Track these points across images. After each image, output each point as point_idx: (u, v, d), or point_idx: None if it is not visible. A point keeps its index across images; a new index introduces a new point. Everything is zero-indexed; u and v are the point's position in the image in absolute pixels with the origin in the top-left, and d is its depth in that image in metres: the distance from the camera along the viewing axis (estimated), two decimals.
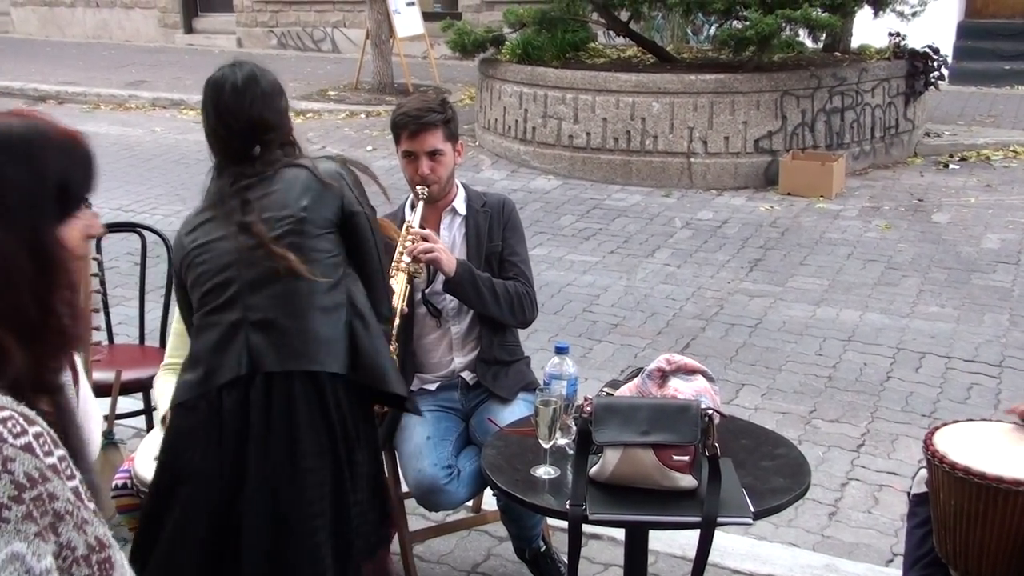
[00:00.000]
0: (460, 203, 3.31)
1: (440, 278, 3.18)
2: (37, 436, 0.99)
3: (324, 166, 2.60)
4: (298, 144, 2.66)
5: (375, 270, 2.68)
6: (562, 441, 2.66)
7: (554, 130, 9.03)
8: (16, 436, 0.97)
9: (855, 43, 9.87)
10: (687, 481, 2.43)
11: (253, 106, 2.55)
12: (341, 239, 2.58)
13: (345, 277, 2.56)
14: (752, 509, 2.42)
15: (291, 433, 2.40)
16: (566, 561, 2.68)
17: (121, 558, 1.10)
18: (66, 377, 1.31)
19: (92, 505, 1.08)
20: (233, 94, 2.55)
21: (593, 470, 2.48)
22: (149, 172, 9.14)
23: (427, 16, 13.12)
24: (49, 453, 0.98)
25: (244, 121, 2.56)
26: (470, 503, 3.56)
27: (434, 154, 3.16)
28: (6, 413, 0.97)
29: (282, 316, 2.44)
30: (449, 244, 3.24)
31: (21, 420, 0.98)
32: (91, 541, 0.99)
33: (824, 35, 9.12)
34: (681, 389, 2.70)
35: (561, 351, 2.87)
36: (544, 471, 2.61)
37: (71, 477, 1.01)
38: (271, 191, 2.52)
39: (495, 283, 3.20)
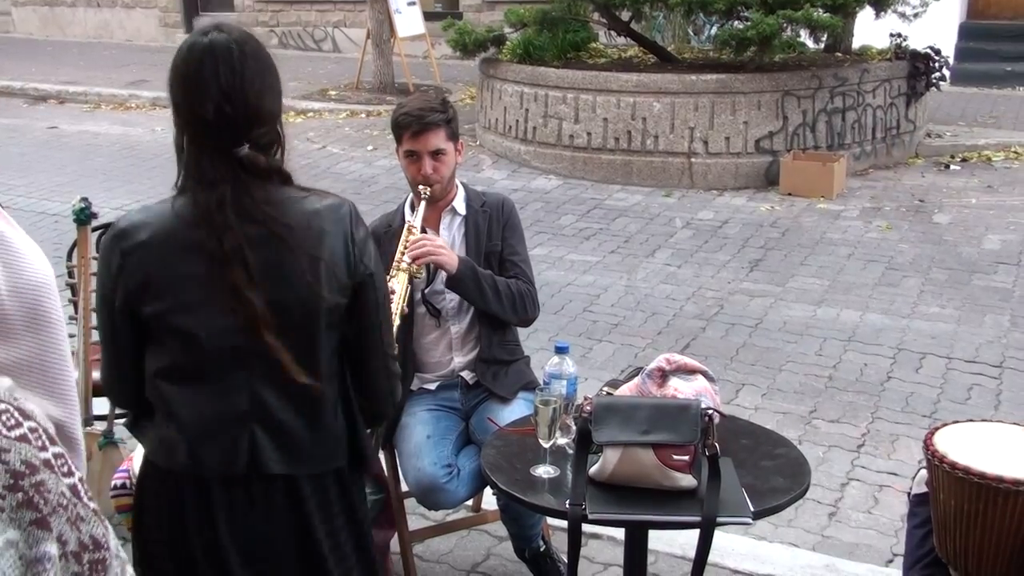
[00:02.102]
0: (460, 203, 3.31)
1: (440, 277, 3.18)
2: (32, 430, 1.00)
3: (334, 207, 2.09)
4: (284, 142, 2.09)
5: (374, 353, 2.17)
6: (562, 440, 2.66)
7: (555, 130, 9.03)
8: (11, 428, 0.97)
9: (856, 44, 9.87)
10: (687, 481, 2.43)
11: (252, 89, 1.99)
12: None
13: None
14: (752, 509, 2.42)
15: (297, 532, 2.11)
16: (566, 560, 2.68)
17: (120, 565, 1.09)
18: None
19: (93, 505, 1.08)
20: (228, 70, 1.96)
21: (593, 469, 2.48)
22: (150, 172, 9.15)
23: (428, 16, 13.12)
24: (44, 448, 0.99)
25: (242, 107, 1.97)
26: (470, 502, 3.56)
27: (437, 153, 3.15)
28: (1, 407, 0.98)
29: (293, 418, 2.06)
30: (449, 244, 3.24)
31: (16, 414, 0.99)
32: (85, 539, 0.99)
33: (825, 36, 9.11)
34: (681, 389, 2.70)
35: (561, 351, 2.87)
36: (544, 470, 2.60)
37: (68, 474, 1.02)
38: (279, 245, 2.00)
39: (497, 280, 3.20)
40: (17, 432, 0.98)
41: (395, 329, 2.57)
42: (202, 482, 2.05)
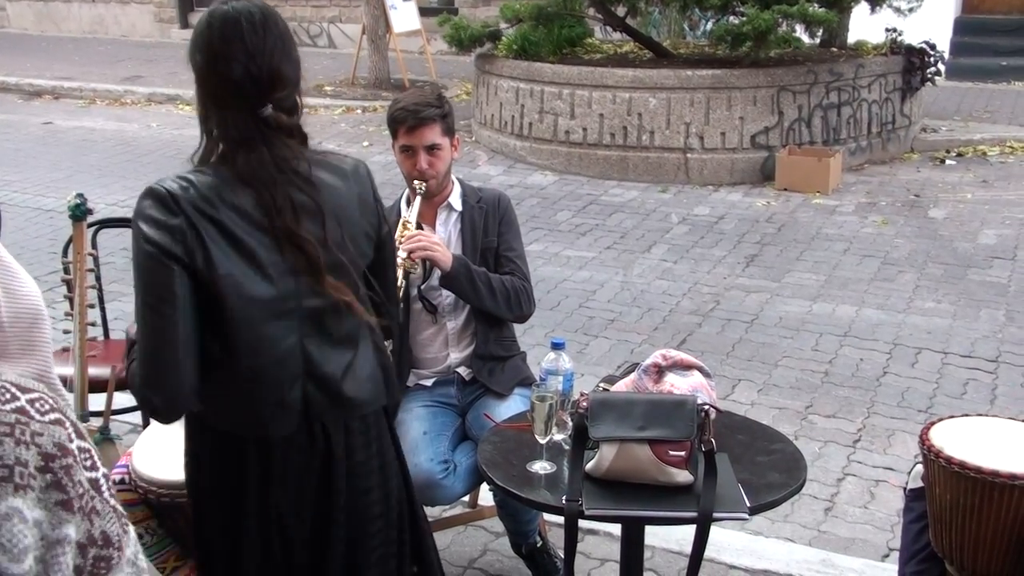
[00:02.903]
0: (456, 199, 3.31)
1: (436, 274, 3.18)
2: (63, 419, 1.03)
3: (357, 167, 2.25)
4: (302, 104, 2.18)
5: (391, 289, 2.42)
6: (558, 436, 2.66)
7: (551, 125, 9.02)
8: (44, 414, 1.00)
9: (852, 39, 9.87)
10: (683, 476, 2.44)
11: (275, 52, 2.08)
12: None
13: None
14: (748, 504, 2.43)
15: (352, 472, 2.22)
16: (562, 556, 2.68)
17: (135, 573, 1.09)
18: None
19: (114, 503, 1.08)
20: (252, 32, 2.05)
21: (589, 465, 2.48)
22: (145, 167, 9.13)
23: (423, 11, 13.10)
24: (71, 439, 1.00)
25: (266, 68, 2.06)
26: (466, 498, 3.56)
27: (432, 149, 3.15)
28: (35, 395, 1.01)
29: (340, 370, 2.17)
30: (445, 240, 3.24)
31: (50, 401, 1.02)
32: (95, 533, 1.01)
33: (821, 31, 9.13)
34: (677, 384, 2.70)
35: (557, 347, 2.87)
36: (540, 466, 2.61)
37: (92, 468, 1.04)
38: (316, 195, 2.11)
39: (492, 278, 3.20)
40: (51, 417, 1.01)
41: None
42: (263, 440, 2.14)
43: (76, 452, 1.03)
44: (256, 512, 2.17)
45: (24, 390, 1.02)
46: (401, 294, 3.02)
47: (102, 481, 1.06)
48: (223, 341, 2.08)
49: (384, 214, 2.29)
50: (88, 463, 1.04)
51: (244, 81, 2.05)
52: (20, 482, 0.94)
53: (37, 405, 1.02)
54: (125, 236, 2.45)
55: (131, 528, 1.13)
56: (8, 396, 1.00)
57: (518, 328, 3.48)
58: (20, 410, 0.99)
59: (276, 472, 2.16)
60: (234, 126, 2.07)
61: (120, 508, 1.08)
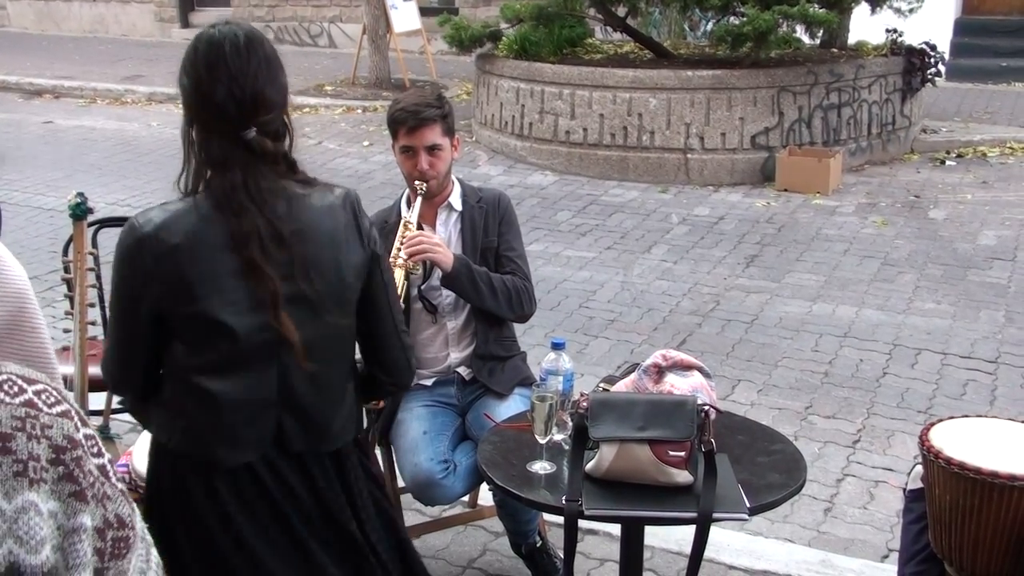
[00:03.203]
0: (456, 199, 3.31)
1: (436, 274, 3.18)
2: (69, 410, 1.04)
3: (341, 198, 2.22)
4: (293, 135, 2.21)
5: (388, 331, 2.32)
6: (558, 436, 2.66)
7: (551, 126, 9.02)
8: (51, 406, 1.01)
9: (852, 39, 9.87)
10: (683, 477, 2.44)
11: (258, 75, 2.10)
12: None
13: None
14: (748, 505, 2.43)
15: (317, 506, 2.21)
16: (562, 556, 2.68)
17: (145, 548, 1.12)
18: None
19: (120, 486, 1.12)
20: (235, 55, 2.08)
21: (589, 465, 2.48)
22: (145, 167, 9.13)
23: (424, 11, 13.09)
24: (77, 428, 1.04)
25: (249, 90, 2.08)
26: (466, 498, 3.57)
27: (433, 149, 3.15)
28: (40, 386, 1.02)
29: (318, 401, 2.18)
30: (445, 240, 3.24)
31: (55, 393, 1.04)
32: (110, 517, 1.03)
33: (821, 31, 9.11)
34: (677, 385, 2.70)
35: (557, 347, 2.87)
36: (540, 466, 2.61)
37: (98, 455, 1.06)
38: (299, 241, 2.10)
39: (492, 277, 3.20)
40: (58, 409, 1.02)
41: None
42: (222, 466, 2.13)
43: (83, 441, 1.04)
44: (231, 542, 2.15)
45: (30, 381, 1.03)
46: (402, 295, 3.03)
47: (108, 466, 1.09)
48: (201, 364, 2.12)
49: (373, 243, 2.23)
50: (95, 450, 1.06)
51: (227, 104, 2.07)
52: (34, 476, 0.96)
53: (44, 397, 1.03)
54: None
55: (133, 503, 1.16)
56: (16, 389, 1.01)
57: (518, 328, 3.48)
58: (29, 403, 1.01)
59: (248, 500, 2.14)
60: (217, 149, 2.09)
61: (124, 489, 1.10)
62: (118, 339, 2.20)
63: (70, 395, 1.09)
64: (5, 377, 1.02)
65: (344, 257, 2.17)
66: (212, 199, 2.08)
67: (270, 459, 2.15)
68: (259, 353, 2.10)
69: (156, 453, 2.24)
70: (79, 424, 1.04)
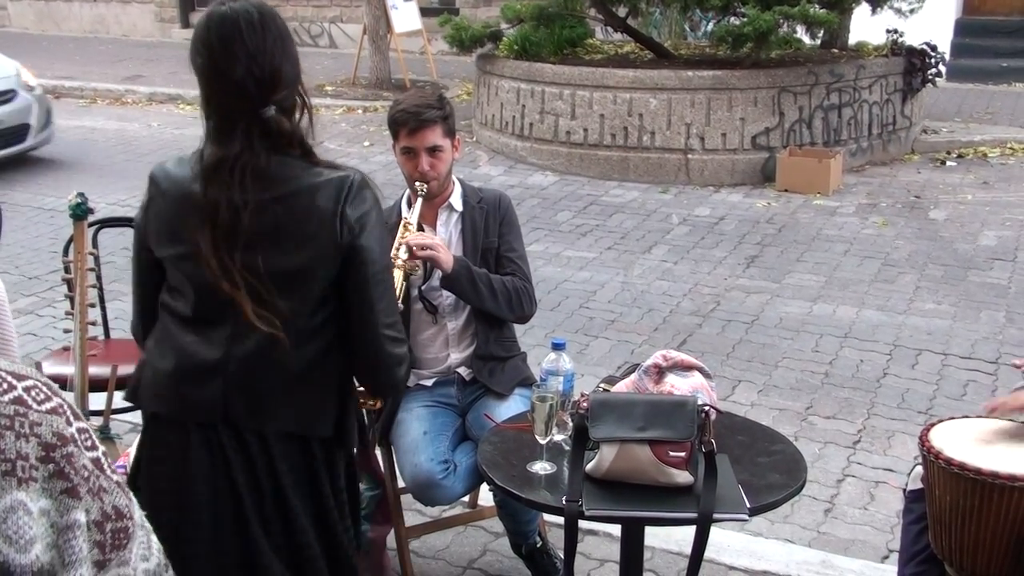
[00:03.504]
0: (456, 199, 3.31)
1: (437, 275, 3.18)
2: (60, 405, 1.05)
3: (335, 181, 2.15)
4: (310, 108, 2.19)
5: (367, 331, 2.20)
6: (558, 437, 2.66)
7: (551, 126, 9.02)
8: (40, 403, 1.02)
9: (853, 40, 9.87)
10: (683, 477, 2.44)
11: (275, 51, 2.08)
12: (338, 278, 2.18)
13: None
14: (748, 505, 2.43)
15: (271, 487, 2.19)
16: (562, 557, 2.68)
17: (145, 535, 1.12)
18: None
19: (116, 478, 1.12)
20: (252, 31, 2.05)
21: (589, 466, 2.48)
22: (146, 167, 8.97)
23: (424, 11, 13.10)
24: (69, 423, 1.03)
25: (268, 68, 2.06)
26: (466, 498, 3.57)
27: (433, 150, 3.15)
28: (30, 382, 1.03)
29: (266, 376, 2.14)
30: (446, 240, 3.24)
31: (45, 389, 1.04)
32: (107, 509, 1.03)
33: (822, 32, 9.12)
34: (677, 385, 2.70)
35: (558, 347, 2.87)
36: (540, 467, 2.61)
37: (91, 448, 1.07)
38: (274, 213, 2.09)
39: (492, 279, 3.20)
40: (47, 406, 1.02)
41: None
42: (184, 427, 2.16)
43: (76, 435, 1.05)
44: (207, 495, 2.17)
45: (19, 377, 1.03)
46: (401, 295, 3.03)
47: (102, 459, 1.09)
48: (173, 308, 2.21)
49: (353, 233, 2.13)
50: (88, 443, 1.06)
51: (246, 81, 2.05)
52: (22, 475, 0.96)
53: (33, 393, 1.03)
54: (126, 235, 2.47)
55: (130, 493, 1.16)
56: (5, 386, 1.01)
57: (518, 328, 3.48)
58: (18, 400, 1.01)
59: (197, 462, 2.16)
60: (226, 129, 2.08)
61: (121, 480, 1.10)
62: (134, 283, 2.33)
63: (62, 391, 1.09)
64: None
65: (312, 237, 2.10)
66: (199, 166, 2.11)
67: (218, 428, 2.15)
68: (212, 312, 2.13)
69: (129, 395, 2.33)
70: (71, 418, 1.05)
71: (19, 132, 9.11)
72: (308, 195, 2.11)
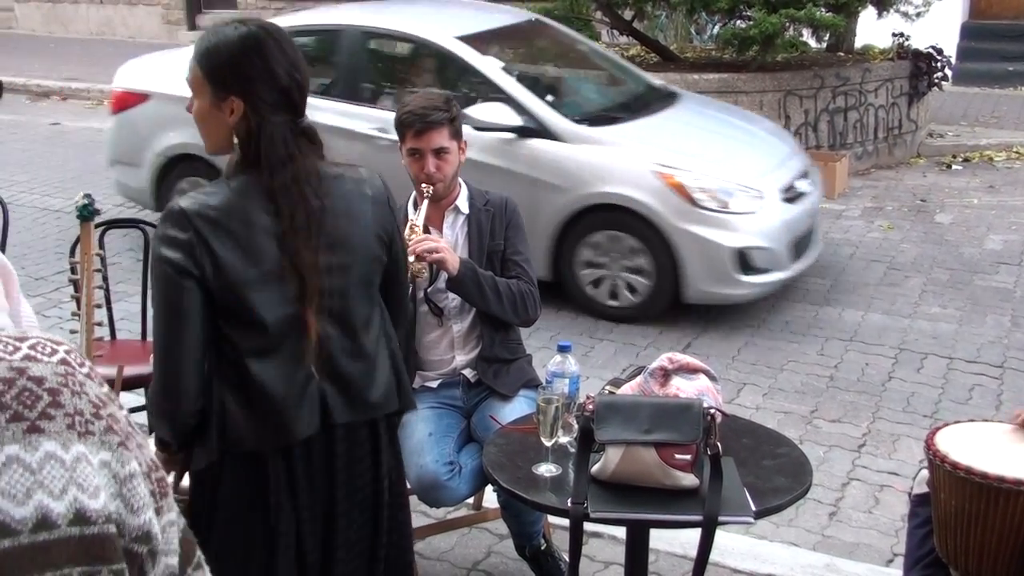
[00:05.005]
0: (463, 201, 3.31)
1: (443, 277, 3.18)
2: (92, 370, 1.11)
3: (370, 177, 2.33)
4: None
5: (404, 300, 2.54)
6: (564, 439, 2.67)
7: None
8: (79, 366, 1.08)
9: (859, 43, 9.87)
10: (689, 480, 2.44)
11: (303, 64, 2.22)
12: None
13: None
14: (753, 508, 2.43)
15: (354, 479, 2.31)
16: (567, 559, 2.68)
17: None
18: None
19: (141, 434, 1.19)
20: (287, 43, 2.19)
21: (595, 468, 2.48)
22: None
23: None
24: (102, 385, 1.10)
25: (303, 77, 2.19)
26: (471, 500, 3.56)
27: (440, 152, 3.16)
28: (67, 347, 1.08)
29: (351, 365, 2.26)
30: (452, 243, 3.24)
31: (77, 354, 1.10)
32: (148, 462, 1.10)
33: (828, 35, 9.12)
34: (683, 388, 2.70)
35: (563, 349, 2.87)
36: (546, 469, 2.61)
37: (121, 408, 1.13)
38: (339, 216, 2.21)
39: (498, 281, 3.20)
40: (84, 370, 1.08)
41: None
42: (287, 450, 2.20)
43: (112, 395, 1.11)
44: (285, 521, 2.23)
45: (57, 343, 1.09)
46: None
47: (129, 417, 1.16)
48: (241, 351, 2.17)
49: (399, 222, 2.39)
50: (118, 404, 1.12)
51: (291, 89, 2.15)
52: (80, 429, 1.02)
53: (72, 356, 1.09)
54: (132, 236, 2.48)
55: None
56: (49, 350, 1.07)
57: (524, 331, 3.48)
58: (64, 361, 1.07)
59: (301, 477, 2.23)
60: (278, 143, 2.12)
61: (141, 437, 1.17)
62: (167, 343, 2.15)
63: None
64: (35, 340, 1.07)
65: (376, 228, 2.28)
66: (266, 189, 2.11)
67: (320, 432, 2.23)
68: (293, 328, 2.16)
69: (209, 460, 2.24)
70: (102, 381, 1.12)
71: None
72: (358, 190, 2.27)
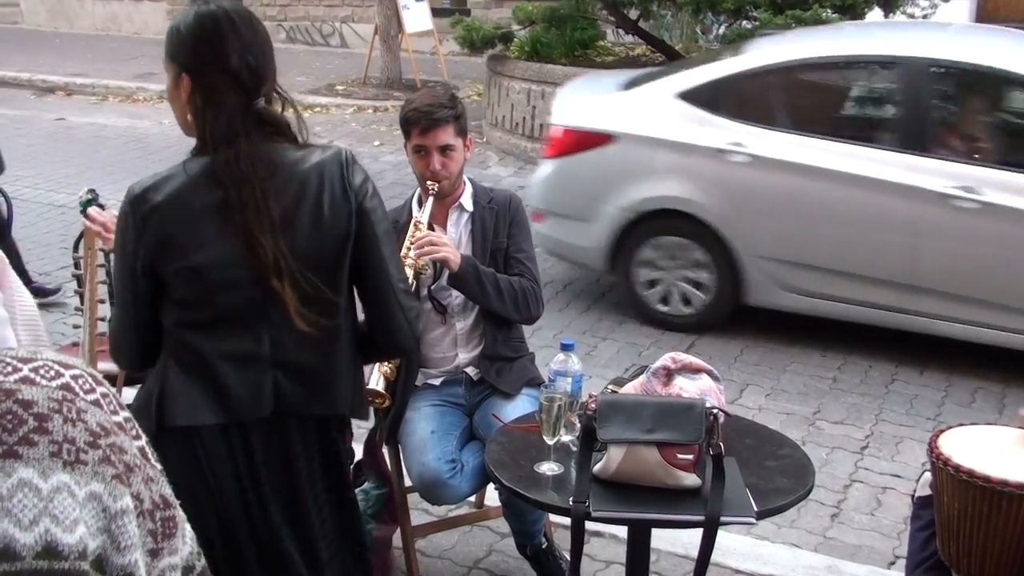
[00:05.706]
0: (467, 199, 3.31)
1: (446, 274, 3.18)
2: (104, 396, 1.06)
3: (333, 155, 2.24)
4: (286, 95, 2.26)
5: (383, 288, 2.29)
6: (566, 438, 2.66)
7: None
8: (86, 392, 1.03)
9: None
10: (691, 480, 2.43)
11: (264, 46, 2.19)
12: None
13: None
14: (755, 509, 2.42)
15: (309, 473, 2.31)
16: (568, 558, 2.68)
17: (183, 522, 1.14)
18: None
19: (159, 467, 1.15)
20: (245, 26, 2.15)
21: (597, 467, 2.48)
22: (157, 165, 9.09)
23: (436, 12, 13.11)
24: (115, 412, 1.06)
25: (260, 60, 2.15)
26: (473, 498, 3.57)
27: (445, 149, 3.16)
28: (76, 371, 1.04)
29: (312, 357, 2.23)
30: (456, 240, 3.24)
31: (90, 379, 1.06)
32: (156, 498, 1.05)
33: None
34: (686, 388, 2.69)
35: (566, 348, 2.87)
36: (548, 467, 2.61)
37: (137, 437, 1.10)
38: (291, 196, 2.16)
39: (500, 279, 3.20)
40: (91, 397, 1.04)
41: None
42: (226, 430, 2.20)
43: (123, 423, 1.07)
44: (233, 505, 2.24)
45: (66, 366, 1.06)
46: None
47: (147, 448, 1.12)
48: (191, 320, 2.19)
49: (362, 196, 2.23)
50: (134, 432, 1.09)
51: (241, 72, 2.12)
52: (68, 458, 0.98)
53: (80, 382, 1.05)
54: None
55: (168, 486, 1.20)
56: (52, 373, 1.03)
57: (527, 329, 3.48)
58: (66, 387, 1.03)
59: (258, 457, 2.23)
60: (223, 123, 2.12)
61: (160, 467, 1.12)
62: (119, 300, 2.27)
63: (105, 380, 1.11)
64: (42, 363, 1.03)
65: (330, 213, 2.19)
66: (212, 168, 2.12)
67: (266, 421, 2.22)
68: (245, 309, 2.16)
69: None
70: (116, 408, 1.07)
71: None
72: (316, 172, 2.19)
